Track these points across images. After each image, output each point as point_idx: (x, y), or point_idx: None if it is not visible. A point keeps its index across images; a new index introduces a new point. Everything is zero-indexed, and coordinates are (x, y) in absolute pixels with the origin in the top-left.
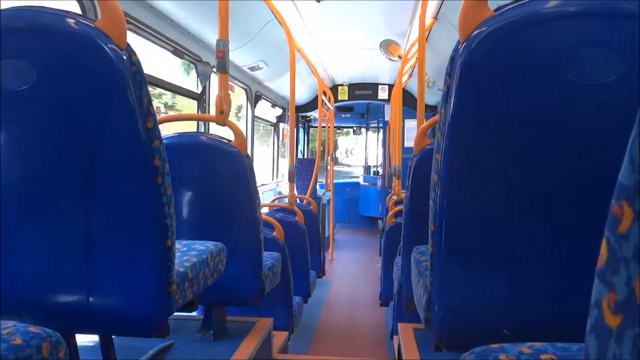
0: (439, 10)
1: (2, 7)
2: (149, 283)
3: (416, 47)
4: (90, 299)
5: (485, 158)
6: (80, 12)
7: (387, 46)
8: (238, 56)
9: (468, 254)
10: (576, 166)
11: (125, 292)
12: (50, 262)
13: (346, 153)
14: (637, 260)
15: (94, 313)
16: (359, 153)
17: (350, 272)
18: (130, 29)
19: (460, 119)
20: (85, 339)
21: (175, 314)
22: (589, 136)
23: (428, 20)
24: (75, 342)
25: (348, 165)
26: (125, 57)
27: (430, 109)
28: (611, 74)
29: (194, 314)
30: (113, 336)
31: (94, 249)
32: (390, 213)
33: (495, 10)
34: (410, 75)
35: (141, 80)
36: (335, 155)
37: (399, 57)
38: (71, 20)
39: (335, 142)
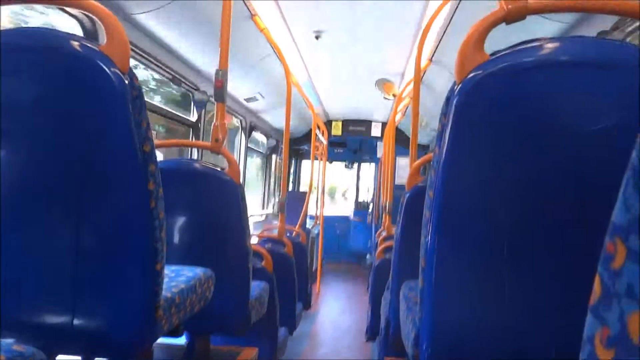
0: (434, 53)
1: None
2: (135, 306)
3: (411, 86)
4: (75, 320)
5: (477, 197)
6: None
7: (382, 84)
8: (235, 87)
9: (458, 291)
10: (568, 208)
11: (111, 315)
12: (37, 280)
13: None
14: (629, 296)
15: (79, 333)
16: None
17: (336, 306)
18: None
19: (454, 158)
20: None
21: (159, 340)
22: (581, 180)
23: (423, 62)
24: None
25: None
26: (127, 81)
27: (422, 148)
28: (602, 121)
29: (180, 340)
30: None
31: (82, 269)
32: (379, 248)
33: (491, 55)
34: (404, 114)
35: (141, 104)
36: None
37: (394, 95)
38: (76, 43)
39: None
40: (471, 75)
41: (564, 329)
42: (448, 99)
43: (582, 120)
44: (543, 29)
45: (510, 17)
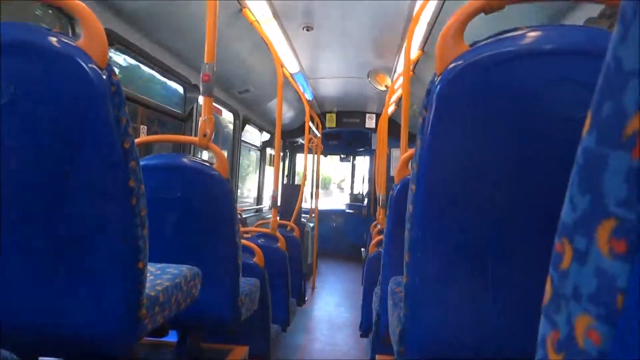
0: (425, 43)
1: None
2: (117, 306)
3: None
4: (57, 321)
5: (459, 189)
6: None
7: (375, 76)
8: (227, 80)
9: (442, 286)
10: (548, 198)
11: (92, 315)
12: (18, 281)
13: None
14: (575, 299)
15: (60, 335)
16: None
17: (332, 301)
18: (118, 49)
19: (435, 150)
20: None
21: (149, 338)
22: (565, 171)
23: (414, 53)
24: None
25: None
26: (105, 77)
27: (415, 138)
28: (582, 110)
29: (170, 339)
30: None
31: (63, 269)
32: (372, 242)
33: (471, 45)
34: (397, 105)
35: (120, 101)
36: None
37: (386, 87)
38: (53, 39)
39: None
40: (451, 65)
41: None
42: (429, 91)
43: (566, 109)
44: (531, 19)
45: (489, 7)
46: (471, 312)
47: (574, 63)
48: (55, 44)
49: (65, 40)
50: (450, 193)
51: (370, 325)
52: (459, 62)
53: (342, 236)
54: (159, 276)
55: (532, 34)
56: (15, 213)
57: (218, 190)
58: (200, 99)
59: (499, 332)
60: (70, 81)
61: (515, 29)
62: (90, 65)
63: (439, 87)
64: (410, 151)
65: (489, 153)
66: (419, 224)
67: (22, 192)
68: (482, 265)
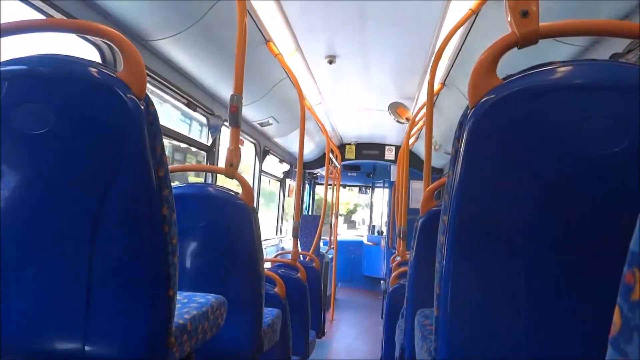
0: (447, 77)
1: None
2: (147, 333)
3: (424, 110)
4: (86, 347)
5: (492, 222)
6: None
7: (396, 108)
8: (249, 111)
9: (475, 319)
10: (584, 234)
11: (122, 342)
12: (49, 307)
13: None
14: None
15: None
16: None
17: (351, 334)
18: (149, 82)
19: (468, 182)
20: None
21: None
22: (596, 204)
23: (436, 86)
24: None
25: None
26: (142, 107)
27: (436, 172)
28: (616, 145)
29: None
30: None
31: (94, 295)
32: (393, 274)
33: (504, 79)
34: (417, 138)
35: (156, 130)
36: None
37: (407, 119)
38: (94, 70)
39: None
40: (484, 99)
41: (586, 358)
42: (461, 123)
43: (597, 143)
44: (556, 53)
45: (523, 41)
46: (505, 345)
47: (605, 98)
48: (96, 74)
49: (106, 71)
50: (483, 225)
51: (391, 358)
52: (492, 96)
53: (361, 268)
54: (186, 304)
55: (564, 68)
56: (50, 240)
57: (244, 219)
58: (221, 129)
59: None
60: (110, 111)
61: (548, 64)
62: (129, 95)
63: (472, 120)
64: (436, 183)
65: (522, 186)
66: (452, 255)
67: (57, 217)
68: (517, 298)
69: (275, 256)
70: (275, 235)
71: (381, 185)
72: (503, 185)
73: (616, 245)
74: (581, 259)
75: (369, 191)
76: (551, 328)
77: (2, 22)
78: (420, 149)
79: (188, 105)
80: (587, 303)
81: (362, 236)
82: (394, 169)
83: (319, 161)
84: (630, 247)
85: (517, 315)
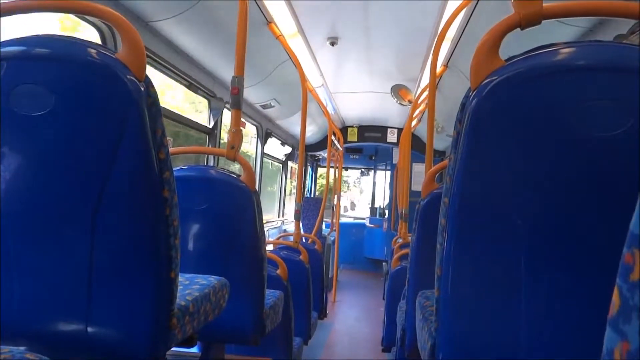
0: (449, 59)
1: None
2: (149, 315)
3: (426, 93)
4: (89, 329)
5: (493, 204)
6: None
7: (398, 91)
8: (251, 93)
9: (475, 299)
10: (585, 216)
11: (124, 324)
12: (51, 289)
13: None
14: None
15: (92, 342)
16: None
17: (352, 315)
18: (148, 63)
19: (469, 164)
20: None
21: (174, 350)
22: (596, 186)
23: (439, 68)
24: None
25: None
26: (142, 89)
27: (438, 154)
28: (618, 127)
29: (192, 350)
30: None
31: (96, 278)
32: (395, 256)
33: (506, 61)
34: (420, 120)
35: (156, 112)
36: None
37: (409, 102)
38: (93, 51)
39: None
40: (486, 80)
41: (587, 341)
42: (463, 105)
43: (601, 124)
44: (560, 34)
45: (525, 22)
46: (507, 327)
47: (608, 79)
48: (95, 55)
49: (105, 52)
50: (485, 207)
51: (393, 339)
52: (494, 77)
53: (362, 250)
54: (188, 286)
55: (568, 50)
56: (51, 223)
57: (246, 202)
58: (222, 111)
59: (533, 348)
60: (109, 92)
61: (551, 45)
62: (128, 76)
63: (474, 101)
64: (437, 165)
65: (525, 168)
66: (453, 237)
67: (58, 202)
68: (518, 280)
69: (278, 238)
70: (277, 217)
71: (383, 167)
72: (504, 167)
73: (616, 227)
74: (587, 242)
75: (371, 173)
76: (551, 308)
77: (2, 1)
78: (423, 131)
79: (189, 87)
80: (588, 284)
81: (365, 218)
82: (396, 152)
83: (321, 144)
84: (630, 227)
85: (518, 296)
